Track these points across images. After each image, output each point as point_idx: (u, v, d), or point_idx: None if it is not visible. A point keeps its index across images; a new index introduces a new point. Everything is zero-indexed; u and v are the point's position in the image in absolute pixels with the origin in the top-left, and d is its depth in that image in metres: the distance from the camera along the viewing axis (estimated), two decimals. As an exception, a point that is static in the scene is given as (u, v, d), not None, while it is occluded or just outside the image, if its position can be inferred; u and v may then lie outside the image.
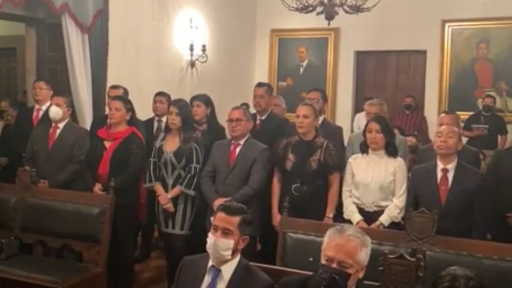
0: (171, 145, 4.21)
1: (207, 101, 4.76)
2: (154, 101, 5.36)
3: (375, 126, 3.86)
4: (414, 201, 3.70)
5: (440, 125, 4.09)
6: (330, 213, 3.96)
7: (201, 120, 4.68)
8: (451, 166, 3.66)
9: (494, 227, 3.98)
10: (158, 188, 4.20)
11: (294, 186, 3.94)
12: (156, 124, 5.28)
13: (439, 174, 3.68)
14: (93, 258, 3.95)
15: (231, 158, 4.16)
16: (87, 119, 5.44)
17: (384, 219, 3.74)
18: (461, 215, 3.56)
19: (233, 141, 4.21)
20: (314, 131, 4.08)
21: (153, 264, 5.13)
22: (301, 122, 4.01)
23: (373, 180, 3.81)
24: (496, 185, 4.03)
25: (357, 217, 3.79)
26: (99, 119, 5.11)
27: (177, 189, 4.14)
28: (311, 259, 2.43)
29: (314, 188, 3.96)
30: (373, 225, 3.71)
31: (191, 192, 4.13)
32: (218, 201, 3.80)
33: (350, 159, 4.00)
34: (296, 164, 4.00)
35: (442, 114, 4.56)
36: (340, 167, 4.05)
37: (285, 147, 4.07)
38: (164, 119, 4.80)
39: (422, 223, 3.10)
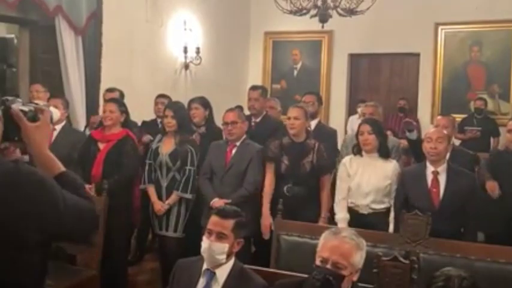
0: (167, 147, 4.21)
1: (205, 104, 4.79)
2: (156, 103, 5.41)
3: (366, 127, 3.88)
4: (406, 202, 3.70)
5: (436, 126, 4.12)
6: (324, 213, 3.97)
7: (199, 122, 4.69)
8: (442, 169, 3.65)
9: (488, 226, 4.04)
10: (151, 191, 4.21)
11: (286, 187, 3.96)
12: (160, 126, 5.28)
13: (430, 176, 3.66)
14: (86, 261, 3.93)
15: (227, 158, 4.17)
16: (80, 122, 5.42)
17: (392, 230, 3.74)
18: (454, 217, 3.57)
19: (229, 142, 4.22)
20: (305, 133, 4.10)
21: (148, 266, 5.11)
22: (292, 124, 4.03)
23: (370, 183, 3.81)
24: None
25: (343, 225, 3.78)
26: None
27: (174, 196, 4.14)
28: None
29: (307, 189, 3.98)
30: None
31: (188, 196, 4.14)
32: (216, 201, 3.89)
33: (344, 161, 4.00)
34: (290, 166, 4.01)
35: (439, 117, 4.61)
36: (332, 168, 4.07)
37: (278, 148, 4.08)
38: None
39: (415, 225, 3.11)
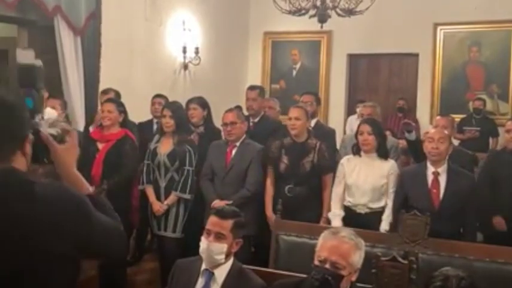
0: (165, 147, 4.21)
1: (203, 104, 4.78)
2: (153, 103, 5.38)
3: (366, 128, 3.88)
4: (405, 202, 3.70)
5: (436, 127, 4.12)
6: (326, 213, 3.97)
7: (197, 122, 4.69)
8: (442, 169, 3.65)
9: (486, 227, 4.03)
10: (149, 192, 4.20)
11: (287, 187, 3.96)
12: (155, 126, 5.29)
13: (430, 177, 3.66)
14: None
15: (227, 159, 4.17)
16: (79, 122, 5.41)
17: (386, 226, 3.74)
18: (453, 217, 3.58)
19: (229, 143, 4.22)
20: (306, 133, 4.09)
21: (147, 266, 5.11)
22: (293, 124, 4.03)
23: (366, 182, 3.82)
24: (490, 186, 4.10)
25: (336, 222, 3.80)
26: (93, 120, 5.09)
27: (173, 197, 4.13)
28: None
29: (307, 189, 3.97)
30: None
31: (187, 196, 4.13)
32: (216, 202, 3.87)
33: (342, 161, 4.01)
34: (289, 166, 4.00)
35: (438, 117, 4.61)
36: (333, 168, 4.07)
37: (278, 148, 4.08)
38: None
39: (414, 225, 3.11)
